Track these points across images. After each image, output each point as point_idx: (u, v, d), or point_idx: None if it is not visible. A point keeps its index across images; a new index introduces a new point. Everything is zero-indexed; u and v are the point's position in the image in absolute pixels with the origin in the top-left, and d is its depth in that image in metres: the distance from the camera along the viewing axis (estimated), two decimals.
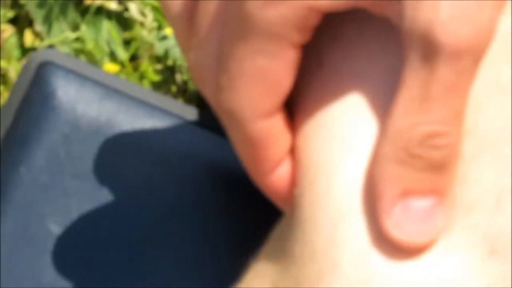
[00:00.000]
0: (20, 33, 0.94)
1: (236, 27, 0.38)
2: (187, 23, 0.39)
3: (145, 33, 0.83)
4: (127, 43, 0.88)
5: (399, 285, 0.34)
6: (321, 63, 0.40)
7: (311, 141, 0.40)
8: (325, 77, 0.39)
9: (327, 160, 0.39)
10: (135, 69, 0.83)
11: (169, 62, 0.82)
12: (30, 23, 0.93)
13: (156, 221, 0.71)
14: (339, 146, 0.38)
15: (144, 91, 0.74)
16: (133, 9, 0.81)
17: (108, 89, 0.71)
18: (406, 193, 0.35)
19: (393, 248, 0.35)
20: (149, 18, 0.82)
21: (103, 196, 0.70)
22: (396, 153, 0.35)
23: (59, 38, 0.87)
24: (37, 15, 0.88)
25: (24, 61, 0.75)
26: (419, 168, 0.35)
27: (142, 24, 0.83)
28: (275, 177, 0.40)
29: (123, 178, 0.71)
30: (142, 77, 0.83)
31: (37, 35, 0.90)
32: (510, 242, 0.35)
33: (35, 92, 0.71)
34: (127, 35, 0.87)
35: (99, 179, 0.69)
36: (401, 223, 0.35)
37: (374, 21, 0.38)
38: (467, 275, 0.35)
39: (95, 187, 0.70)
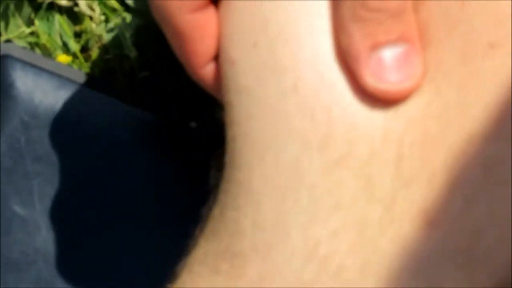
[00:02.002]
0: None
1: None
2: None
3: (94, 26, 0.83)
4: (78, 35, 0.84)
5: (379, 131, 0.41)
6: None
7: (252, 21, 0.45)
8: None
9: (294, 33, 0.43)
10: (86, 59, 0.83)
11: (117, 52, 0.85)
12: None
13: (110, 198, 0.68)
14: (295, 18, 0.44)
15: (95, 79, 0.73)
16: (82, 4, 0.81)
17: (62, 78, 0.69)
18: (377, 46, 0.41)
19: (375, 100, 0.41)
20: (97, 12, 0.83)
21: (62, 177, 0.68)
22: (356, 12, 0.41)
23: (15, 33, 0.82)
24: None
25: None
26: (380, 20, 0.41)
27: (91, 18, 0.83)
28: (208, 70, 0.46)
29: (79, 160, 0.68)
30: (93, 66, 0.84)
31: None
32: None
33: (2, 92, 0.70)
34: (77, 28, 0.84)
35: (58, 162, 0.68)
36: (381, 74, 0.41)
37: None
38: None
39: (54, 169, 0.68)
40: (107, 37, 0.83)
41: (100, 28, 0.83)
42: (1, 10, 0.82)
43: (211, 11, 0.46)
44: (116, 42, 0.83)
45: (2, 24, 0.82)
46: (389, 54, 0.42)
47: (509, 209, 0.42)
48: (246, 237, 0.45)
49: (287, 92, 0.43)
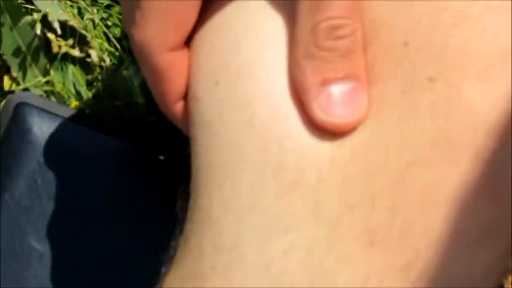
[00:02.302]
0: None
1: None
2: None
3: (105, 76, 0.86)
4: (90, 84, 0.88)
5: (327, 160, 0.42)
6: None
7: (214, 55, 0.47)
8: (216, 4, 0.46)
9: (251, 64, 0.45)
10: (98, 106, 0.84)
11: (126, 99, 0.86)
12: (7, 70, 0.88)
13: (119, 229, 0.70)
14: (252, 56, 0.45)
15: (105, 124, 0.74)
16: (94, 55, 0.85)
17: (75, 124, 0.72)
18: (326, 82, 0.42)
19: (324, 132, 0.42)
20: (107, 62, 0.87)
21: (77, 213, 0.70)
22: (308, 50, 0.42)
23: (32, 82, 0.86)
24: (13, 63, 0.86)
25: (3, 103, 0.77)
26: (331, 58, 0.42)
27: (101, 68, 0.87)
28: (178, 107, 0.47)
29: (92, 197, 0.70)
30: (104, 112, 0.84)
31: (13, 80, 0.87)
32: (389, 234, 0.42)
33: (14, 128, 0.71)
34: (89, 77, 0.87)
35: (72, 199, 0.70)
36: (329, 108, 0.42)
37: None
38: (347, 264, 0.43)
39: (69, 207, 0.70)
40: (116, 86, 0.84)
41: (110, 77, 0.85)
42: (19, 61, 0.85)
43: (184, 52, 0.49)
44: (125, 90, 0.85)
45: (20, 74, 0.85)
46: (337, 90, 0.44)
47: (446, 229, 0.44)
48: (207, 259, 0.46)
49: (244, 126, 0.45)
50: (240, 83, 0.46)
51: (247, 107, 0.45)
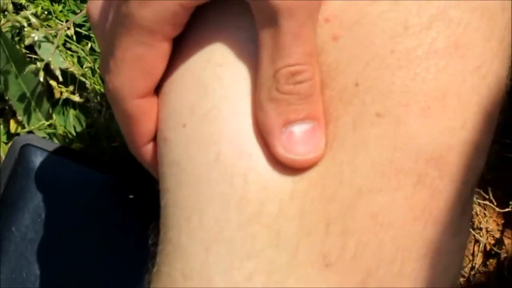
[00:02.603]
0: (6, 122, 0.91)
1: (121, 23, 0.45)
2: (102, 28, 0.48)
3: (103, 119, 0.87)
4: (89, 126, 0.89)
5: (287, 192, 0.44)
6: (181, 45, 0.47)
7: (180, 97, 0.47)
8: (183, 54, 0.47)
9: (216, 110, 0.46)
10: (97, 147, 0.87)
11: (123, 140, 0.87)
12: (13, 114, 0.90)
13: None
14: (220, 103, 0.46)
15: (103, 163, 0.77)
16: (92, 100, 0.87)
17: (76, 163, 0.74)
18: (288, 123, 0.44)
19: (285, 167, 0.44)
20: (105, 107, 0.88)
21: (80, 245, 0.72)
22: (271, 94, 0.44)
23: (36, 125, 0.89)
24: (18, 108, 0.88)
25: (10, 145, 0.80)
26: (292, 101, 0.44)
27: (100, 112, 0.87)
28: (147, 149, 0.48)
29: (92, 228, 0.73)
30: (102, 153, 0.87)
31: (19, 123, 0.90)
32: (343, 255, 0.44)
33: (20, 168, 0.74)
34: (89, 120, 0.89)
35: (72, 230, 0.72)
36: (290, 147, 0.44)
37: (228, 5, 0.46)
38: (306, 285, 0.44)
39: (68, 237, 0.72)
40: (114, 128, 0.87)
41: (108, 120, 0.88)
42: (24, 106, 0.88)
43: (153, 98, 0.50)
44: (121, 132, 0.85)
45: (25, 118, 0.88)
46: (298, 129, 0.46)
47: (394, 249, 0.47)
48: (177, 287, 0.48)
49: (211, 163, 0.47)
50: (206, 125, 0.47)
51: (214, 146, 0.47)
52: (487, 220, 1.02)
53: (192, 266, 0.47)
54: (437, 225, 0.48)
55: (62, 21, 0.94)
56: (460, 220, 0.50)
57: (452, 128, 0.48)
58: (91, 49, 0.94)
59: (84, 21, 0.94)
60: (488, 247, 1.01)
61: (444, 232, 0.48)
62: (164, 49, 0.48)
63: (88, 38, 0.94)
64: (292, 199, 0.47)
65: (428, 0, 0.49)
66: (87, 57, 0.92)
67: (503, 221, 1.01)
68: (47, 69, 0.87)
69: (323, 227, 0.46)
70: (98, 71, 0.92)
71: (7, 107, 0.92)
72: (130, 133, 0.51)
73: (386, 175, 0.47)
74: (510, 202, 0.92)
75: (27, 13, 0.88)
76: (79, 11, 0.94)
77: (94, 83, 0.91)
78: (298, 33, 0.46)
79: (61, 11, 0.94)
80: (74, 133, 0.90)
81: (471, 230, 0.97)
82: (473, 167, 0.50)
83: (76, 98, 0.89)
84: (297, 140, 0.46)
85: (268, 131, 0.46)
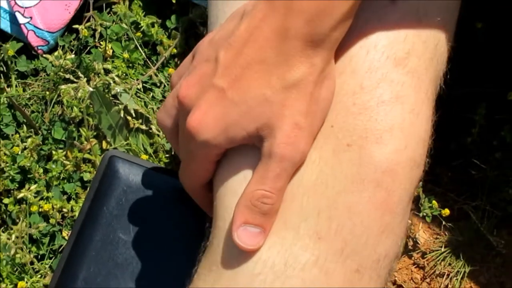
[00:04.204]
0: (100, 143, 1.02)
1: (189, 153, 0.54)
2: (173, 134, 0.57)
3: (160, 139, 1.00)
4: (151, 145, 1.01)
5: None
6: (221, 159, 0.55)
7: (220, 197, 0.55)
8: (222, 169, 0.55)
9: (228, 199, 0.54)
10: (157, 158, 1.01)
11: (174, 155, 0.99)
12: (104, 137, 1.01)
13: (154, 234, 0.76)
14: (230, 196, 0.54)
15: (162, 168, 0.80)
16: (153, 128, 1.00)
17: (144, 167, 0.79)
18: (246, 223, 0.51)
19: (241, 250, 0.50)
20: (161, 132, 1.00)
21: (145, 219, 0.77)
22: (245, 202, 0.52)
23: (118, 144, 1.00)
24: (107, 133, 1.01)
25: (102, 156, 0.84)
26: (255, 212, 0.51)
27: (158, 135, 1.00)
28: (202, 191, 0.57)
29: (154, 214, 0.76)
30: (159, 161, 1.00)
31: (108, 143, 1.01)
32: (331, 225, 0.50)
33: (108, 171, 0.79)
34: (151, 140, 1.01)
35: (142, 212, 0.77)
36: (242, 238, 0.51)
37: (245, 148, 0.53)
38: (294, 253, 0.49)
39: (140, 216, 0.77)
40: (167, 146, 1.01)
41: (164, 140, 1.01)
42: (111, 132, 1.01)
43: (207, 185, 0.59)
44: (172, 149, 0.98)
45: (112, 139, 1.01)
46: (250, 229, 0.52)
47: (361, 228, 0.54)
48: (217, 253, 0.56)
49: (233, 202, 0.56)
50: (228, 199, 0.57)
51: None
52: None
53: (227, 240, 0.56)
54: (391, 213, 0.54)
55: (134, 79, 1.04)
56: (406, 209, 0.55)
57: (398, 149, 0.53)
58: (152, 97, 1.05)
59: (148, 80, 1.05)
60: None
61: (396, 218, 0.54)
62: (212, 165, 0.58)
63: (150, 90, 1.05)
64: (293, 200, 0.54)
65: (375, 70, 0.54)
66: (150, 102, 1.03)
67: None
68: (125, 109, 1.00)
69: (316, 214, 0.53)
70: (156, 110, 1.02)
71: (100, 133, 1.02)
72: (193, 179, 0.61)
73: (355, 182, 0.53)
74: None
75: (113, 75, 1.02)
76: (144, 73, 1.05)
77: (154, 118, 1.01)
78: (279, 174, 0.52)
79: (133, 73, 1.06)
80: (142, 149, 1.01)
81: None
82: (413, 174, 0.56)
83: (143, 127, 1.01)
84: (248, 235, 0.53)
85: (235, 220, 0.53)
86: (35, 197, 0.99)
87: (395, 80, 0.53)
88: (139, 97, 1.02)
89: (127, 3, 1.08)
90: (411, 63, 0.55)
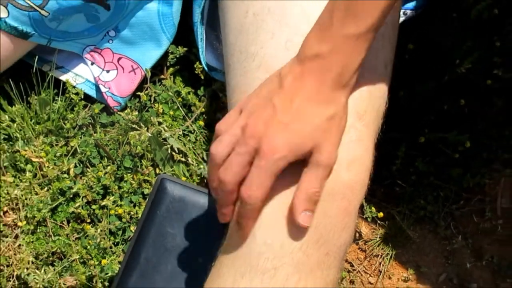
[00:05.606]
0: (154, 169, 1.20)
1: (258, 168, 0.66)
2: (220, 161, 0.70)
3: (193, 167, 1.21)
4: (188, 170, 1.22)
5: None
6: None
7: None
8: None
9: None
10: (194, 181, 1.20)
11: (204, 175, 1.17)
12: (157, 166, 1.21)
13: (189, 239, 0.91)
14: None
15: (197, 187, 0.96)
16: (190, 160, 1.20)
17: (186, 187, 0.95)
18: (305, 210, 0.64)
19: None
20: (195, 161, 1.23)
21: (187, 224, 0.92)
22: (304, 196, 0.65)
23: (167, 170, 1.20)
24: (160, 163, 1.20)
25: (155, 178, 1.01)
26: (311, 203, 0.65)
27: (192, 164, 1.21)
28: (230, 208, 0.71)
29: (193, 222, 0.93)
30: (193, 182, 1.20)
31: (160, 169, 1.20)
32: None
33: (160, 190, 0.95)
34: (188, 168, 1.22)
35: (184, 218, 0.93)
36: (304, 220, 0.64)
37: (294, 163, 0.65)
38: None
39: (183, 219, 0.92)
40: (199, 172, 1.23)
41: (196, 167, 1.23)
42: (162, 162, 1.21)
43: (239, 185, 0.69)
44: (202, 173, 1.22)
45: (163, 167, 1.22)
46: (308, 213, 0.62)
47: (335, 216, 0.65)
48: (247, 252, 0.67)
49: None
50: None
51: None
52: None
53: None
54: (349, 216, 0.64)
55: (177, 128, 1.24)
56: (357, 213, 0.68)
57: (357, 174, 0.66)
58: (189, 140, 1.25)
59: (185, 128, 1.23)
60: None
61: (352, 219, 0.68)
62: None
63: (187, 135, 1.23)
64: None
65: (348, 119, 0.64)
66: (187, 143, 1.25)
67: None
68: (171, 148, 1.22)
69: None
70: (192, 148, 1.22)
71: (155, 163, 1.23)
72: (223, 199, 0.69)
73: (330, 194, 0.67)
74: None
75: (163, 125, 1.21)
76: (183, 124, 1.23)
77: (190, 154, 1.22)
78: (324, 177, 0.62)
79: (176, 124, 1.25)
80: (182, 173, 1.23)
81: None
82: (363, 191, 0.68)
83: (183, 159, 1.23)
84: (306, 218, 0.62)
85: (297, 208, 0.63)
86: (112, 204, 1.20)
87: (358, 128, 0.70)
88: (180, 140, 1.23)
89: (172, 78, 1.29)
90: (367, 118, 0.70)
